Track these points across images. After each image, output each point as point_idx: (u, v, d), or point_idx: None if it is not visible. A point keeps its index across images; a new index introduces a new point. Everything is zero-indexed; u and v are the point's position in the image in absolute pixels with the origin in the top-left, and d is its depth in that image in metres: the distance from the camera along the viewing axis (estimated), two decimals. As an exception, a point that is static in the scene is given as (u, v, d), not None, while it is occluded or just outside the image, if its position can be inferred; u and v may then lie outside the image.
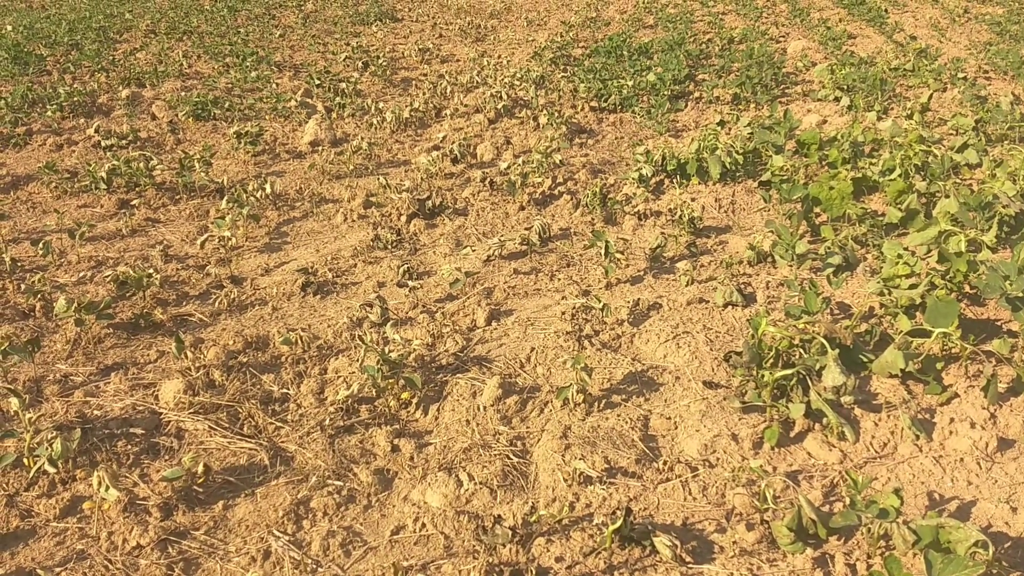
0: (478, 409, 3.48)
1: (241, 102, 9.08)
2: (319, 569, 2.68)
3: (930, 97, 7.88)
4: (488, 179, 6.25)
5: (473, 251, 5.12)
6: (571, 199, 5.84)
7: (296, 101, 8.80)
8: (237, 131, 7.35)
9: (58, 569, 2.67)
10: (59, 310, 4.10)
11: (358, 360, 3.74)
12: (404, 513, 2.92)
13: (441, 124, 8.27)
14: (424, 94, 9.30)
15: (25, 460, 3.12)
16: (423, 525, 2.84)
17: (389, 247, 5.26)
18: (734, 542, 2.70)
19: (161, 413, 3.50)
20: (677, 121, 8.16)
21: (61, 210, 6.01)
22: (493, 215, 5.78)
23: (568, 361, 3.70)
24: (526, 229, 5.29)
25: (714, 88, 8.90)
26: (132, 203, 6.09)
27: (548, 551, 2.68)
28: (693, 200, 5.84)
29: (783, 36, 13.01)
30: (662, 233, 5.10)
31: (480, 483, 3.03)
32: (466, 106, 8.78)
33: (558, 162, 6.55)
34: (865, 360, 3.56)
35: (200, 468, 3.05)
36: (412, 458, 3.22)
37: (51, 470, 3.06)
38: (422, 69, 11.30)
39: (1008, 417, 3.26)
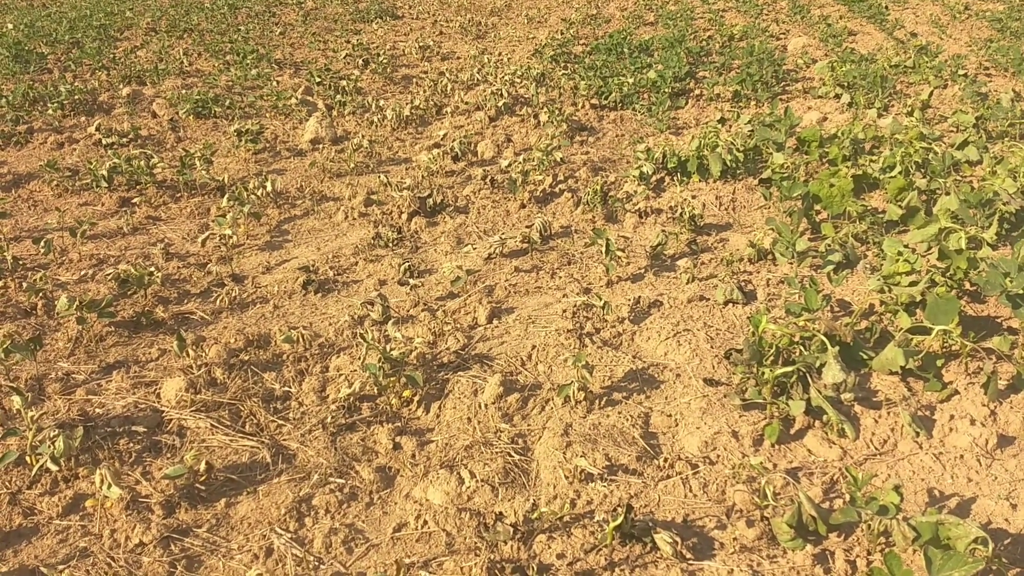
0: (479, 407, 3.49)
1: (242, 100, 9.08)
2: (321, 566, 2.69)
3: (931, 94, 7.88)
4: (489, 177, 6.26)
5: (474, 249, 5.13)
6: (572, 197, 5.84)
7: (297, 99, 8.80)
8: (238, 129, 7.35)
9: (61, 567, 2.68)
10: (61, 308, 4.12)
11: (359, 358, 3.75)
12: (406, 510, 2.93)
13: (442, 122, 8.27)
14: (425, 92, 9.30)
15: (27, 458, 3.13)
16: (425, 522, 2.85)
17: (390, 245, 5.26)
18: (734, 538, 2.71)
19: (163, 411, 3.51)
20: (678, 118, 8.15)
21: (62, 208, 6.02)
22: (494, 213, 5.78)
23: (569, 359, 3.70)
24: (527, 227, 5.29)
25: (715, 85, 8.89)
26: (133, 201, 6.10)
27: (549, 548, 2.68)
28: (694, 198, 5.84)
29: (783, 33, 12.99)
30: (663, 231, 5.11)
31: (482, 480, 3.04)
32: (467, 104, 8.78)
33: (559, 160, 6.55)
34: (865, 357, 3.57)
35: (202, 466, 3.06)
36: (414, 456, 3.23)
37: (53, 468, 3.07)
38: (423, 67, 11.29)
39: (1008, 414, 3.26)
